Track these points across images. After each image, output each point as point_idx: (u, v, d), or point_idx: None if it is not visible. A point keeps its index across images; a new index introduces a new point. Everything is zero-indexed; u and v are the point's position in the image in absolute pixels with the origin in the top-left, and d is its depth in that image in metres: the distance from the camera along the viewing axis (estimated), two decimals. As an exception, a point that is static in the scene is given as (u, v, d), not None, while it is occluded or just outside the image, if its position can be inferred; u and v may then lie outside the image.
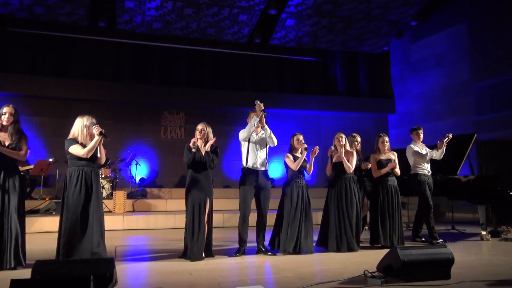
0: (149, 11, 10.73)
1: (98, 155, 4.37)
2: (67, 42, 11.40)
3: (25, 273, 3.54)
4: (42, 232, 7.09)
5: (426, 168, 6.18)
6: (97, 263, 3.26)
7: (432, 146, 6.37)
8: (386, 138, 5.77)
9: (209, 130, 4.83)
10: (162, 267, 4.24)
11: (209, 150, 4.73)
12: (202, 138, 4.78)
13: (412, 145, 6.29)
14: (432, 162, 6.31)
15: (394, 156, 5.71)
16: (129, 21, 11.11)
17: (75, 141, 4.29)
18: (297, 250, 4.91)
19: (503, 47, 10.16)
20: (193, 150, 4.66)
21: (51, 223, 7.25)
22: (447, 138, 6.13)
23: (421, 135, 6.34)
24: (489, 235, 6.30)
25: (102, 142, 4.33)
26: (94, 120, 4.37)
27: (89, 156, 4.24)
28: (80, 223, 4.08)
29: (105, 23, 10.92)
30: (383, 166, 5.61)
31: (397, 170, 5.66)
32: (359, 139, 6.13)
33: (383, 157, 5.67)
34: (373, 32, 12.38)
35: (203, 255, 4.61)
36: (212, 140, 4.77)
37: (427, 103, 12.30)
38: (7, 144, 4.06)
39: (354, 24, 11.86)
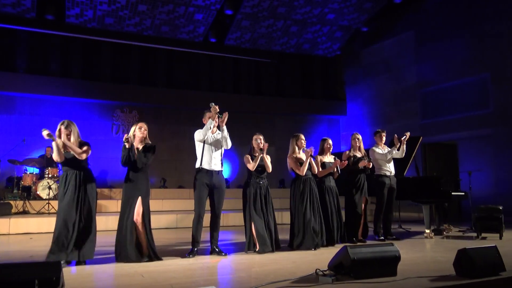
0: (101, 5, 10.40)
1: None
2: (11, 35, 10.80)
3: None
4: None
5: (388, 169, 6.48)
6: (42, 266, 3.10)
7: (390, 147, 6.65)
8: (330, 142, 6.01)
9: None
10: (112, 269, 4.11)
11: (140, 148, 4.58)
12: (143, 136, 4.64)
13: (374, 147, 6.59)
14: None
15: (335, 159, 5.89)
16: (80, 15, 10.71)
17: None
18: (273, 248, 5.03)
19: (445, 57, 10.76)
20: (127, 145, 4.46)
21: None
22: (405, 137, 6.47)
23: (383, 138, 6.63)
24: (433, 233, 6.62)
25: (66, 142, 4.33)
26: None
27: (60, 160, 4.31)
28: (65, 227, 4.14)
29: (54, 16, 10.45)
30: (326, 167, 5.82)
31: (336, 172, 5.86)
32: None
33: (325, 159, 5.88)
34: (326, 36, 12.68)
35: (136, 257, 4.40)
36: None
37: (377, 106, 12.77)
38: None
39: (308, 27, 12.09)
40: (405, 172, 7.04)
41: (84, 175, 4.38)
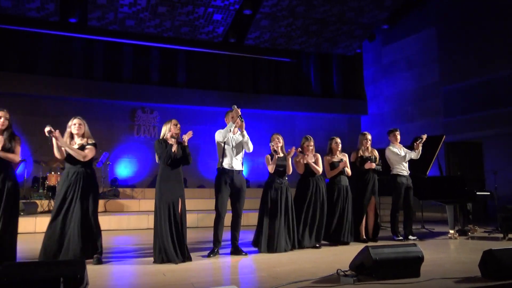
0: (122, 8, 10.54)
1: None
2: (35, 38, 11.06)
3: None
4: None
5: (405, 169, 6.37)
6: (67, 264, 3.17)
7: (408, 147, 6.55)
8: (338, 140, 5.97)
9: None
10: (135, 268, 4.17)
11: (186, 144, 4.55)
12: (178, 133, 4.61)
13: (390, 147, 6.46)
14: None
15: (345, 157, 5.91)
16: (101, 17, 10.88)
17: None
18: (293, 247, 5.09)
19: (468, 52, 10.51)
20: (171, 142, 4.43)
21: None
22: (420, 140, 6.34)
23: (398, 137, 6.50)
24: (457, 234, 6.50)
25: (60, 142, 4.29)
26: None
27: (61, 158, 4.34)
28: (62, 224, 4.19)
29: (76, 19, 10.66)
30: (335, 167, 5.83)
31: (348, 170, 5.90)
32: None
33: (335, 158, 5.88)
34: (346, 35, 12.56)
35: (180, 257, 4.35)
36: (189, 133, 4.53)
37: (398, 105, 12.58)
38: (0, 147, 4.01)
39: (328, 26, 12.00)
40: (428, 171, 6.93)
41: (81, 174, 4.32)
